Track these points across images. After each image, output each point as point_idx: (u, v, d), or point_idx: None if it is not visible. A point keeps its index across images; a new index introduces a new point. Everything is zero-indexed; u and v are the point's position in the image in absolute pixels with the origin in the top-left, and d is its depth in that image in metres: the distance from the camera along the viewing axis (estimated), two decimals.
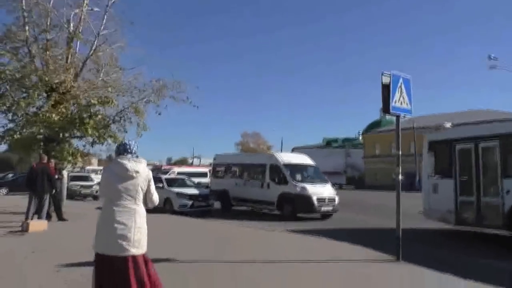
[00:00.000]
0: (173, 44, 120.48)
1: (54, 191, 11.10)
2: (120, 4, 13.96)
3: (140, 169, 3.59)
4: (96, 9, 13.57)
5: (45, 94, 12.45)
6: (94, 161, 54.62)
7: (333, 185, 17.07)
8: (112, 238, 3.38)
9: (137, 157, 3.66)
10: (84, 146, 13.66)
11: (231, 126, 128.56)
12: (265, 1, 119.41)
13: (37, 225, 9.66)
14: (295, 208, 14.47)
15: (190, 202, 15.28)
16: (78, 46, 13.62)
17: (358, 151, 59.00)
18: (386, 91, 6.61)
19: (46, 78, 11.81)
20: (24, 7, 12.06)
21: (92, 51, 13.07)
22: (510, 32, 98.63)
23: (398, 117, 7.00)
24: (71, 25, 12.95)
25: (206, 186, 20.82)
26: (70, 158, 12.75)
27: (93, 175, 27.89)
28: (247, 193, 16.47)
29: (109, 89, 12.97)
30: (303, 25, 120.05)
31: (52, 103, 12.13)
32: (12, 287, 5.05)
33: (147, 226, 3.59)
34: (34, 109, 12.51)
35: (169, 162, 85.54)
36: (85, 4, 12.95)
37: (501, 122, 20.46)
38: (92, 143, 13.28)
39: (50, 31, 12.48)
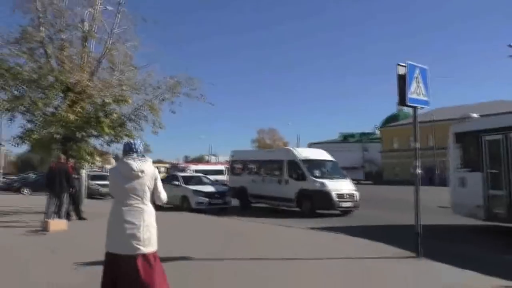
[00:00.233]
0: (182, 40, 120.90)
1: (72, 190, 11.23)
2: (132, 2, 14.01)
3: (146, 168, 3.60)
4: (109, 7, 13.63)
5: (61, 94, 12.57)
6: (113, 160, 55.37)
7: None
8: (122, 237, 3.43)
9: (142, 156, 3.66)
10: (101, 145, 13.80)
11: (247, 122, 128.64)
12: None
13: (57, 224, 9.76)
14: (314, 205, 14.24)
15: (207, 200, 15.29)
16: (93, 45, 13.71)
17: (376, 145, 58.39)
18: (402, 82, 6.42)
19: (62, 78, 11.90)
20: (38, 8, 12.19)
21: (106, 49, 13.16)
22: None
23: (415, 108, 6.80)
24: (85, 24, 13.04)
25: (223, 183, 20.83)
26: (87, 157, 12.88)
27: None
28: (265, 190, 16.32)
29: (124, 87, 13.02)
30: (304, 18, 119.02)
31: (69, 102, 12.23)
32: (30, 285, 5.10)
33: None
34: (52, 109, 12.65)
35: (186, 160, 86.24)
36: (98, 3, 13.02)
37: None
38: (109, 142, 13.40)
39: (65, 31, 12.56)
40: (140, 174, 3.53)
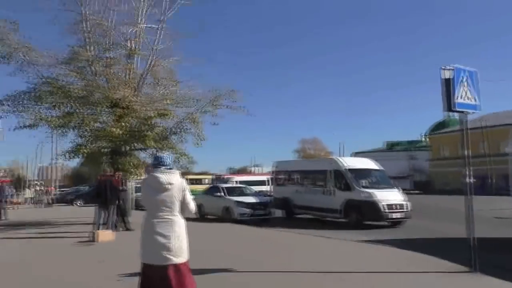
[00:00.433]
0: (226, 52, 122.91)
1: (119, 202, 11.59)
2: (173, 19, 14.46)
3: (174, 180, 3.72)
4: (152, 25, 14.15)
5: (108, 110, 13.11)
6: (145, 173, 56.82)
7: None
8: (154, 248, 3.57)
9: (170, 169, 3.79)
10: (147, 158, 14.21)
11: (289, 133, 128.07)
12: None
13: (105, 235, 10.10)
14: (361, 216, 13.73)
15: (249, 211, 15.26)
16: (138, 62, 14.25)
17: (423, 153, 56.17)
18: (448, 86, 6.07)
19: (109, 94, 12.43)
20: (86, 28, 12.84)
21: (149, 65, 13.62)
22: None
23: (463, 113, 6.42)
24: (130, 42, 13.59)
25: (266, 194, 20.75)
26: (133, 170, 13.28)
27: None
28: (310, 201, 16.00)
29: (167, 101, 13.39)
30: (352, 27, 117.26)
31: (115, 117, 12.73)
32: None
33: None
34: (99, 124, 13.21)
35: (230, 171, 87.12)
36: (141, 21, 13.54)
37: None
38: (154, 155, 13.76)
39: (111, 49, 13.16)
40: (168, 186, 3.66)
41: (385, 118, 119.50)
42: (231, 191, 17.12)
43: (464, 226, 6.22)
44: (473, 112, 6.64)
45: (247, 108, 14.46)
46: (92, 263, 7.22)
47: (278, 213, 16.97)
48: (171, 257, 3.54)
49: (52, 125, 12.47)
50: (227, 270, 6.36)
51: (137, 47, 13.77)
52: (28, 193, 36.68)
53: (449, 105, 6.16)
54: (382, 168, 16.09)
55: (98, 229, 10.54)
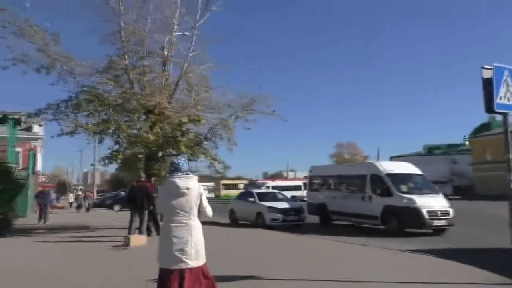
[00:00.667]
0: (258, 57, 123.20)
1: (152, 207, 11.77)
2: (207, 25, 14.66)
3: (191, 185, 3.76)
4: (186, 33, 14.39)
5: (143, 117, 13.40)
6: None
7: None
8: (171, 252, 3.63)
9: (187, 174, 3.85)
10: None
11: (324, 137, 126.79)
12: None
13: (138, 240, 10.25)
14: (401, 223, 13.09)
15: (281, 216, 15.11)
16: (172, 69, 14.52)
17: (465, 157, 53.95)
18: (488, 87, 5.75)
19: (144, 101, 12.71)
20: (122, 38, 13.20)
21: (182, 72, 13.84)
22: None
23: (505, 115, 6.04)
24: (164, 50, 13.88)
25: (301, 199, 20.51)
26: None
27: None
28: (347, 207, 15.52)
29: (198, 107, 13.54)
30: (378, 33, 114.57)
31: (150, 124, 13.00)
32: None
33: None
34: (135, 131, 13.52)
35: (265, 176, 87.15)
36: (175, 29, 13.80)
37: None
38: (188, 161, 13.93)
39: (146, 58, 13.47)
40: (185, 191, 3.71)
41: (424, 122, 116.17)
42: (264, 196, 17.03)
43: (507, 233, 5.84)
44: None
45: (279, 113, 14.44)
46: (122, 268, 7.32)
47: (312, 218, 16.70)
48: (188, 261, 3.62)
49: (90, 132, 12.89)
50: (256, 278, 6.25)
51: (171, 54, 14.04)
52: (71, 197, 38.17)
53: (489, 106, 5.83)
54: (422, 172, 15.41)
55: (132, 234, 10.74)
